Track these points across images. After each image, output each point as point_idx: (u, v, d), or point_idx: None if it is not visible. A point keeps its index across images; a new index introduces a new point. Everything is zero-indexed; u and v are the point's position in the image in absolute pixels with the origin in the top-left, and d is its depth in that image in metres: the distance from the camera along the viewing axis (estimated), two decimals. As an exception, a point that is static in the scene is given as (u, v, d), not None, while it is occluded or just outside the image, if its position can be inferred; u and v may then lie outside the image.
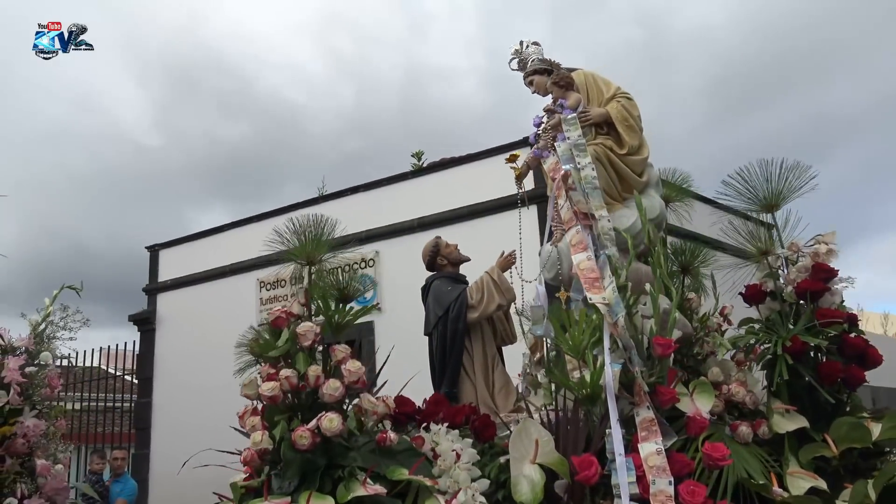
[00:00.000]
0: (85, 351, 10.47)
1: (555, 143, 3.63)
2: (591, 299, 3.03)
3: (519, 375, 4.09)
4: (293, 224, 3.04)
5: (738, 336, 3.53)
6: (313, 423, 2.51)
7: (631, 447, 2.76)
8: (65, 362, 10.04)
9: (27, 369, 3.56)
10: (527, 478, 2.67)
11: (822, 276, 3.31)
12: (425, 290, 4.04)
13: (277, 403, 2.61)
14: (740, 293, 3.54)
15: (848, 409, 3.21)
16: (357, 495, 2.40)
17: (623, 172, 3.72)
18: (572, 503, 2.67)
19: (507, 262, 3.95)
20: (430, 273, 4.14)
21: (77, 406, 10.54)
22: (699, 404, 3.02)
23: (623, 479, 2.63)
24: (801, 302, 3.38)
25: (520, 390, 3.94)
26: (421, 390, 3.44)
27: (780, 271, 3.52)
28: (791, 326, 3.31)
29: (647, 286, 3.09)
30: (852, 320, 3.30)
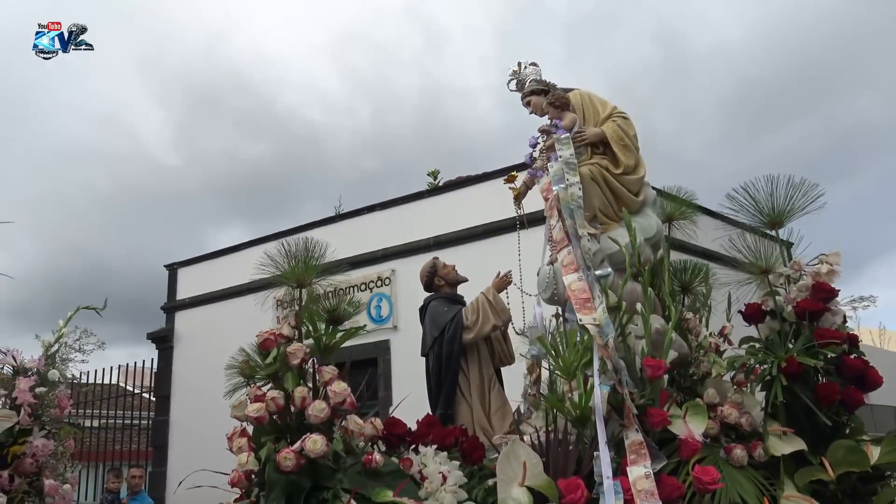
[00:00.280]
0: (104, 368, 10.60)
1: (548, 163, 3.64)
2: (580, 320, 3.02)
3: (522, 396, 4.08)
4: (284, 248, 3.06)
5: (736, 356, 3.48)
6: (298, 444, 2.52)
7: (620, 470, 2.74)
8: (83, 379, 10.16)
9: (37, 390, 3.63)
10: (514, 501, 2.65)
11: (823, 295, 3.25)
12: (423, 311, 4.05)
13: (263, 424, 2.62)
14: (739, 311, 3.50)
15: (848, 431, 3.15)
16: (341, 517, 2.40)
17: (619, 192, 3.72)
18: (560, 527, 2.65)
19: (503, 282, 3.95)
20: (428, 293, 4.15)
21: (95, 423, 10.65)
22: (692, 426, 2.98)
23: (611, 503, 2.60)
24: (804, 322, 3.34)
25: (522, 411, 3.93)
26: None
27: (783, 289, 3.47)
28: (791, 346, 3.26)
29: (639, 306, 3.08)
30: (852, 341, 3.24)
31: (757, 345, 3.44)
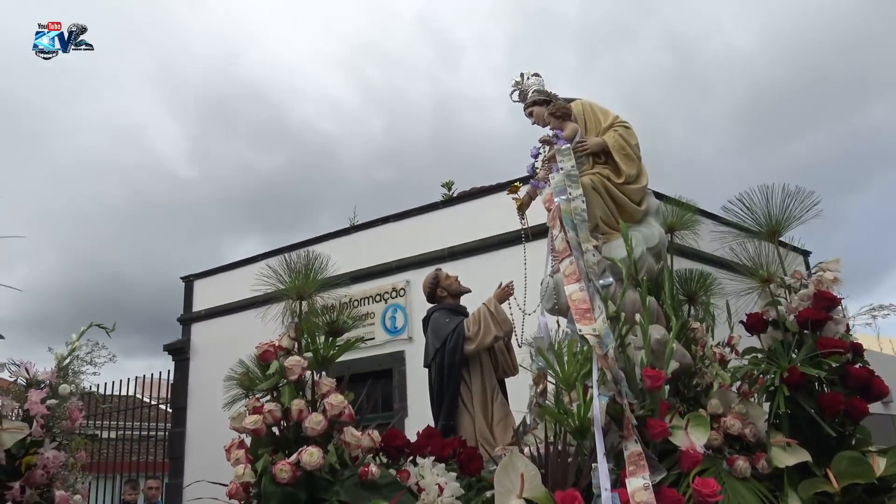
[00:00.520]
0: (121, 380, 10.71)
1: (550, 174, 3.64)
2: (580, 331, 3.01)
3: (528, 407, 4.06)
4: (285, 262, 3.09)
5: (740, 366, 3.45)
6: (294, 456, 2.53)
7: (620, 482, 2.72)
8: (100, 391, 10.25)
9: (48, 402, 3.67)
10: (512, 512, 2.64)
11: (824, 304, 3.22)
12: (426, 323, 4.06)
13: (261, 436, 2.64)
14: (741, 321, 3.47)
15: (854, 442, 3.10)
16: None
17: (621, 201, 3.71)
18: (558, 539, 2.63)
19: (505, 293, 3.95)
20: (431, 305, 4.15)
21: (112, 435, 10.74)
22: (693, 438, 2.95)
23: (608, 515, 2.58)
24: (806, 331, 3.30)
25: (528, 422, 3.91)
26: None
27: (784, 299, 3.44)
28: (794, 356, 3.23)
29: (637, 316, 3.06)
30: (856, 350, 3.20)
31: (760, 355, 3.41)
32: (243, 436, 2.77)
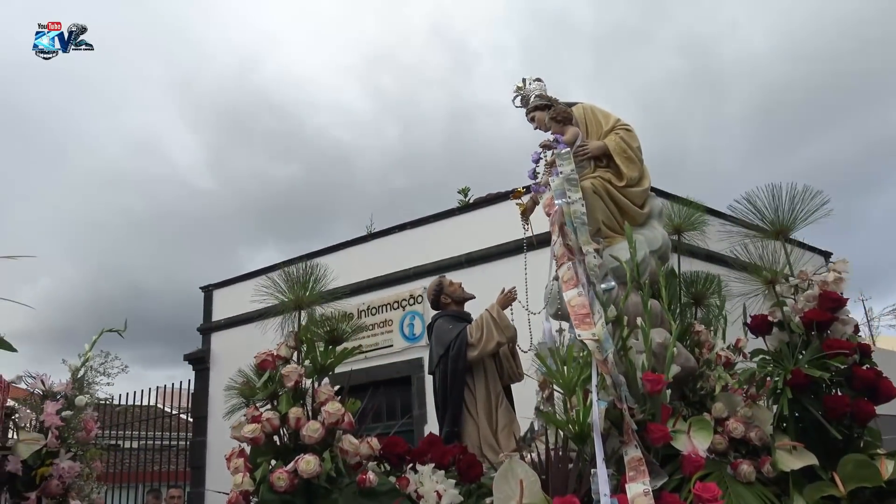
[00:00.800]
0: (142, 390, 10.83)
1: (549, 179, 3.63)
2: (579, 335, 2.99)
3: (535, 413, 4.04)
4: (285, 274, 3.12)
5: (746, 369, 3.41)
6: (291, 465, 2.54)
7: (620, 487, 2.69)
8: (122, 401, 10.39)
9: (63, 413, 3.73)
10: (511, 519, 2.63)
11: (830, 305, 3.17)
12: (430, 329, 4.06)
13: (259, 445, 2.65)
14: (745, 323, 3.43)
15: (862, 444, 3.05)
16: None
17: (623, 205, 3.69)
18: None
19: (508, 299, 3.94)
20: (435, 312, 4.16)
21: (134, 445, 10.86)
22: (696, 442, 2.92)
23: (607, 521, 2.56)
24: (813, 332, 3.25)
25: (536, 428, 3.89)
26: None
27: (792, 299, 3.39)
28: (800, 358, 3.18)
29: (639, 320, 3.04)
30: (864, 351, 3.15)
31: (767, 357, 3.37)
32: (243, 444, 2.79)
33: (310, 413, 2.82)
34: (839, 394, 3.06)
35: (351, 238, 12.62)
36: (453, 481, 2.79)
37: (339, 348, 3.01)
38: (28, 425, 3.64)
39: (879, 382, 3.04)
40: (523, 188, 4.14)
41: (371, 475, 2.62)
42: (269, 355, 2.85)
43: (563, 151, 3.57)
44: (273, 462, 2.72)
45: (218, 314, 12.30)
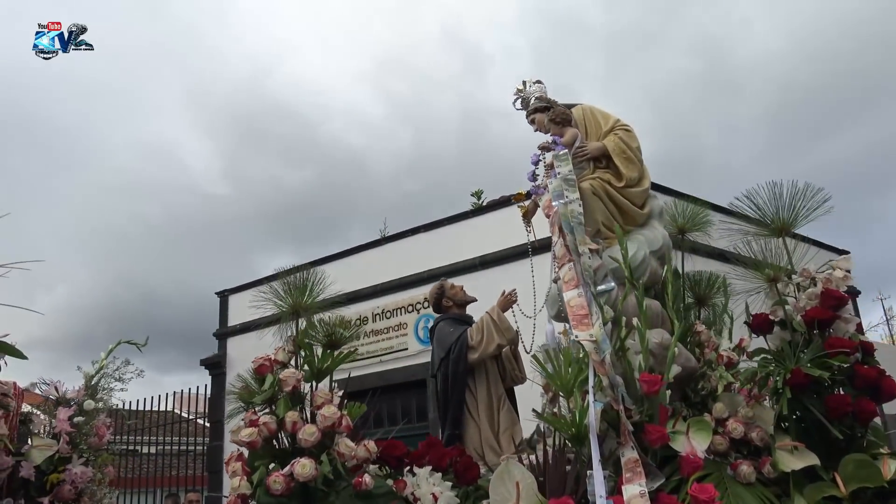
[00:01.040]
0: (159, 395, 10.93)
1: (548, 181, 3.63)
2: (577, 336, 2.99)
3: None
4: (285, 283, 3.15)
5: (749, 369, 3.38)
6: (287, 468, 2.57)
7: (618, 489, 2.69)
8: (139, 406, 10.48)
9: (75, 419, 3.78)
10: (508, 521, 2.63)
11: (831, 303, 3.13)
12: (432, 332, 4.07)
13: (257, 449, 2.68)
14: (745, 322, 3.40)
15: (865, 444, 3.01)
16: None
17: (623, 205, 3.68)
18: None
19: (508, 301, 3.94)
20: (437, 315, 4.17)
21: (152, 450, 10.96)
22: (695, 443, 2.91)
23: (603, 522, 2.56)
24: (815, 331, 3.22)
25: (542, 430, 3.89)
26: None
27: (794, 297, 3.36)
28: (802, 357, 3.15)
29: (634, 320, 3.03)
30: (867, 349, 3.11)
31: (768, 356, 3.34)
32: (242, 449, 2.81)
33: (308, 417, 2.84)
34: (842, 393, 3.02)
35: (365, 242, 12.69)
36: (450, 483, 2.80)
37: (337, 352, 3.02)
38: (41, 431, 3.71)
39: (882, 381, 3.00)
40: (525, 191, 4.14)
41: (367, 478, 2.64)
42: (267, 360, 2.87)
43: (561, 153, 3.57)
44: (272, 466, 2.74)
45: (234, 319, 12.39)
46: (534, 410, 3.15)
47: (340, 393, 3.12)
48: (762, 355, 3.38)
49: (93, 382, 4.10)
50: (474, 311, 4.34)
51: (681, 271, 3.89)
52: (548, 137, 3.95)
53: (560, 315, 3.64)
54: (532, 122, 4.08)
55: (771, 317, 3.32)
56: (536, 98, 4.07)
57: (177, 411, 11.72)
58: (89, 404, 4.00)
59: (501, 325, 3.85)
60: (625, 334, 3.07)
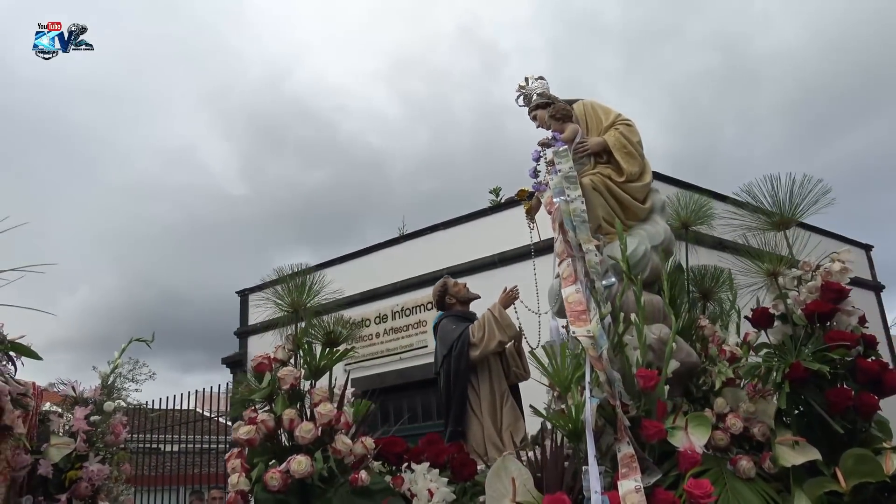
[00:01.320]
0: (181, 394, 11.07)
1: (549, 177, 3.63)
2: (574, 332, 2.99)
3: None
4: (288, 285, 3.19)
5: (752, 364, 3.35)
6: (284, 465, 2.60)
7: (614, 484, 2.69)
8: (161, 405, 10.63)
9: (91, 418, 3.86)
10: (504, 517, 2.65)
11: (832, 296, 3.10)
12: (435, 330, 4.09)
13: (255, 446, 2.72)
14: (745, 317, 3.38)
15: (867, 438, 2.97)
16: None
17: (624, 200, 3.66)
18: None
19: (510, 297, 3.94)
20: (440, 312, 4.19)
21: (175, 448, 11.10)
22: (693, 438, 2.89)
23: (597, 518, 2.56)
24: (817, 325, 3.18)
25: (547, 426, 3.89)
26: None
27: (796, 291, 3.33)
28: (803, 351, 3.12)
29: (633, 316, 3.02)
30: (869, 342, 3.07)
31: (772, 351, 3.30)
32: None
33: (307, 414, 2.88)
34: (844, 387, 2.99)
35: (384, 240, 12.74)
36: (446, 479, 2.82)
37: (336, 350, 3.06)
38: (59, 430, 3.79)
39: (884, 374, 2.96)
40: (528, 188, 4.13)
41: (363, 474, 2.67)
42: (266, 358, 2.91)
43: (561, 149, 3.57)
44: (272, 463, 2.78)
45: (254, 318, 12.51)
46: (531, 406, 3.15)
47: (352, 391, 3.16)
48: (765, 350, 3.36)
49: (108, 382, 4.19)
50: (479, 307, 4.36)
51: (684, 265, 3.86)
52: (548, 134, 3.95)
53: (562, 311, 3.63)
54: (534, 118, 4.08)
55: (772, 311, 3.29)
56: (538, 94, 4.06)
57: (198, 410, 11.88)
58: (108, 405, 4.09)
59: (503, 321, 3.85)
60: (622, 329, 3.07)
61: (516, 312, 3.95)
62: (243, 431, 2.71)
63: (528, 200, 4.12)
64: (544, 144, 3.78)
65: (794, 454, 2.91)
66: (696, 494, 2.58)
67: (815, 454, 2.89)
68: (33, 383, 3.78)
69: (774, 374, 3.08)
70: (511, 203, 11.21)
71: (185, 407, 10.97)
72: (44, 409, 3.83)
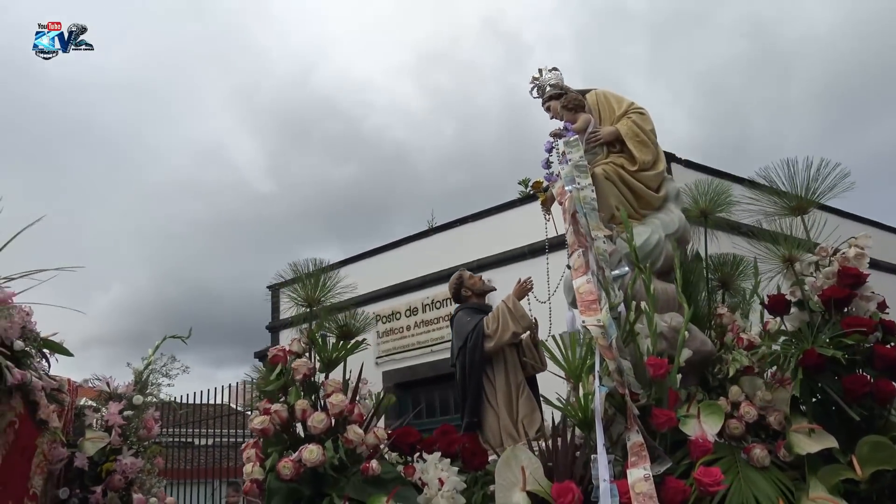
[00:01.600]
0: (213, 388, 11.27)
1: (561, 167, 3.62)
2: (584, 322, 2.99)
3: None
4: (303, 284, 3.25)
5: (770, 351, 3.31)
6: (296, 454, 2.66)
7: (623, 473, 2.69)
8: (195, 400, 10.82)
9: (125, 413, 3.98)
10: (513, 506, 2.67)
11: (849, 281, 3.05)
12: (452, 322, 4.12)
13: (269, 436, 2.78)
14: (761, 303, 3.34)
15: (885, 425, 2.92)
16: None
17: (637, 189, 3.65)
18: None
19: (523, 289, 3.95)
20: (456, 304, 4.21)
21: (209, 442, 11.31)
22: (706, 426, 2.88)
23: (606, 506, 2.57)
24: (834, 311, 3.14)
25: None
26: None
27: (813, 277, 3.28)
28: (820, 337, 3.07)
29: (643, 304, 3.01)
30: (888, 328, 3.02)
31: (789, 338, 3.27)
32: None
33: (321, 405, 2.94)
34: (861, 373, 2.95)
35: (413, 233, 12.79)
36: (457, 469, 2.85)
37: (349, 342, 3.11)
38: (94, 424, 3.91)
39: (902, 361, 2.91)
40: (543, 179, 4.13)
41: (374, 463, 2.71)
42: (281, 350, 2.97)
43: (572, 139, 3.56)
44: (286, 452, 2.84)
45: (285, 312, 12.68)
46: (543, 397, 3.16)
47: (367, 384, 3.21)
48: (782, 337, 3.32)
49: (142, 378, 4.30)
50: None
51: (703, 254, 3.83)
52: (561, 124, 3.94)
53: (577, 302, 3.63)
54: (547, 109, 4.08)
55: (788, 297, 3.25)
56: (551, 85, 4.06)
57: (231, 405, 12.07)
58: (138, 399, 4.20)
59: (517, 312, 3.87)
60: (634, 318, 3.06)
61: (529, 304, 3.95)
62: (257, 422, 2.77)
63: (543, 192, 4.12)
64: (556, 135, 3.78)
65: (809, 442, 2.87)
66: (705, 482, 2.57)
67: (831, 442, 2.85)
68: (68, 379, 3.90)
69: (789, 360, 3.06)
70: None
71: (217, 401, 11.18)
72: (79, 404, 3.95)
